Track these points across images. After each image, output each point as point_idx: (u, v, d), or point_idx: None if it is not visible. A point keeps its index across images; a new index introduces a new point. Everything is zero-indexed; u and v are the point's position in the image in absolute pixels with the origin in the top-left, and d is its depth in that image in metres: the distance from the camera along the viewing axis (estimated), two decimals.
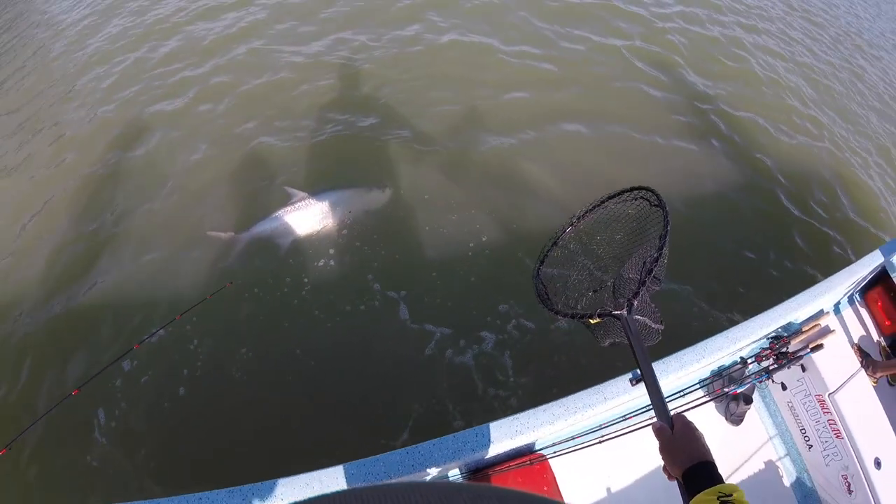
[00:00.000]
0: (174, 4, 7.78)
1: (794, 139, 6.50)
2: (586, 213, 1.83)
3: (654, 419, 2.03)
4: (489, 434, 2.16)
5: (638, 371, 2.24)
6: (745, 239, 5.03)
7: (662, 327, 1.63)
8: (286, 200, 4.50)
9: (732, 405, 2.77)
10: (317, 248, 4.44)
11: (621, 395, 2.19)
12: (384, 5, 7.19)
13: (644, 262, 1.56)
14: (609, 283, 1.73)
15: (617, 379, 2.25)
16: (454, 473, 2.32)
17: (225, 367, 3.81)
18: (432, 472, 2.15)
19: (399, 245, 4.47)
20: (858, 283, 3.20)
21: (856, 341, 3.15)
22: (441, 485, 0.43)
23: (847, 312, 3.27)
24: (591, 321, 1.55)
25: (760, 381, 2.60)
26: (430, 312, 4.08)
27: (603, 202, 1.79)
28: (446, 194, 4.85)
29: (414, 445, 2.19)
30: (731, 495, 1.14)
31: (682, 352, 2.40)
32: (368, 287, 4.20)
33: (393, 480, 2.10)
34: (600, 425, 2.28)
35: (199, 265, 4.41)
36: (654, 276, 1.51)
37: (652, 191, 1.63)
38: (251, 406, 3.66)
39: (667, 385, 2.28)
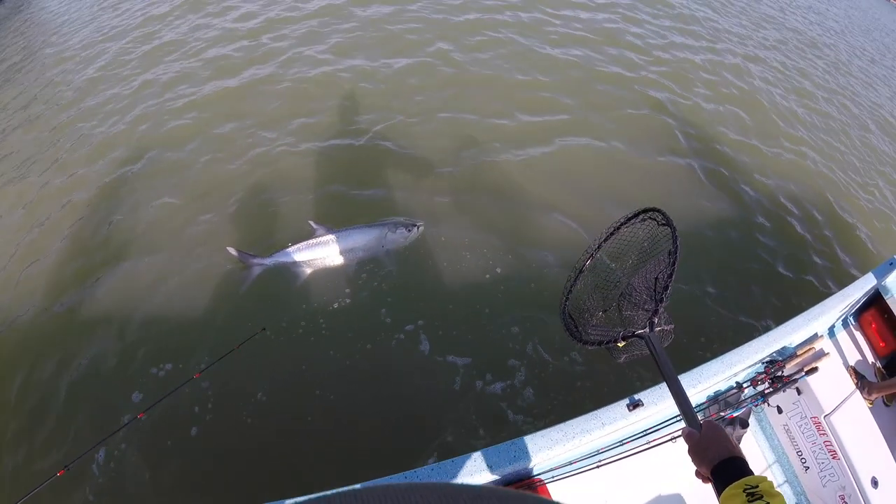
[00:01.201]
0: (187, 33, 7.93)
1: (791, 160, 6.62)
2: (603, 242, 1.90)
3: (657, 442, 2.08)
4: (487, 459, 2.18)
5: (635, 396, 2.28)
6: (749, 255, 5.12)
7: (673, 325, 1.71)
8: (308, 233, 4.44)
9: (729, 429, 2.79)
10: (333, 285, 4.35)
11: (619, 421, 2.21)
12: (394, 37, 7.36)
13: (656, 279, 1.63)
14: (614, 303, 1.81)
15: (615, 405, 2.27)
16: None
17: (238, 408, 3.68)
18: None
19: (415, 281, 4.43)
20: (852, 306, 3.24)
21: (851, 363, 3.18)
22: (440, 485, 0.44)
23: (842, 335, 3.30)
24: (619, 345, 1.62)
25: (756, 405, 2.62)
26: (451, 345, 4.04)
27: (617, 229, 1.86)
28: (460, 228, 4.85)
29: (412, 470, 2.20)
30: (757, 486, 1.17)
31: (679, 377, 2.42)
32: (386, 323, 4.15)
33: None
34: (598, 450, 2.30)
35: (208, 285, 4.37)
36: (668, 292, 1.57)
37: (660, 211, 1.70)
38: (267, 447, 3.53)
39: (663, 411, 2.31)
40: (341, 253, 4.34)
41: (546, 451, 2.16)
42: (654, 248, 1.71)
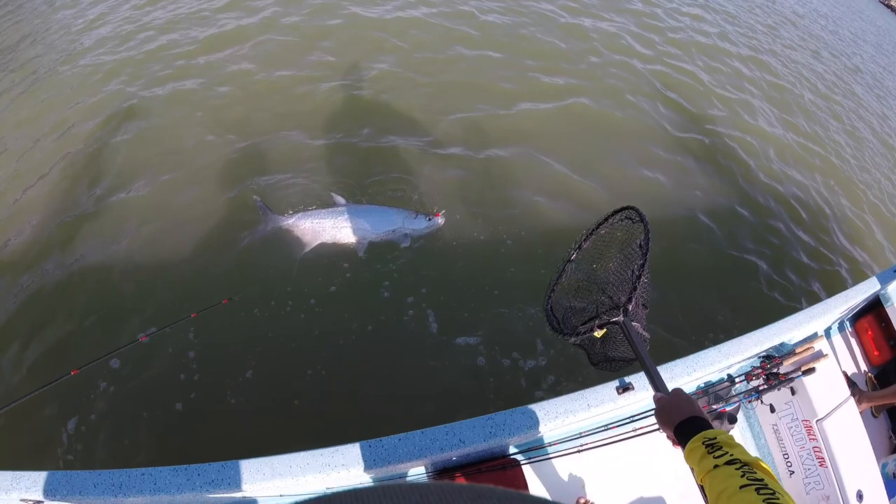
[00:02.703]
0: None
1: (804, 157, 6.52)
2: (584, 241, 1.98)
3: (643, 430, 2.02)
4: (460, 433, 2.01)
5: (626, 379, 2.11)
6: (755, 244, 5.02)
7: (648, 336, 1.78)
8: (326, 202, 4.22)
9: (715, 423, 2.65)
10: (338, 261, 4.05)
11: (606, 403, 2.05)
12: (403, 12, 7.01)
13: (632, 271, 1.71)
14: (600, 298, 1.86)
15: (603, 386, 2.11)
16: (419, 472, 2.16)
17: (223, 386, 3.41)
18: (396, 469, 2.00)
19: (421, 257, 4.17)
20: (851, 310, 3.11)
21: (843, 369, 3.06)
22: (441, 485, 0.43)
23: (837, 339, 3.18)
24: (597, 335, 1.72)
25: (750, 401, 2.48)
26: (461, 325, 3.79)
27: (597, 228, 1.94)
28: (469, 200, 4.61)
29: (377, 439, 2.03)
30: (715, 438, 1.21)
31: (672, 363, 2.26)
32: (388, 299, 3.88)
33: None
34: (580, 433, 2.14)
35: (203, 241, 4.09)
36: (643, 283, 1.68)
37: (634, 209, 1.78)
38: (251, 428, 3.28)
39: (650, 398, 2.15)
40: (357, 229, 4.07)
41: (525, 429, 2.00)
42: (630, 245, 1.79)
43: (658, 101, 6.36)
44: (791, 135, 6.98)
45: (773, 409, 2.69)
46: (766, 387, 2.41)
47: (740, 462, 1.11)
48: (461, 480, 2.10)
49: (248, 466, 1.81)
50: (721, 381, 2.59)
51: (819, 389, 2.57)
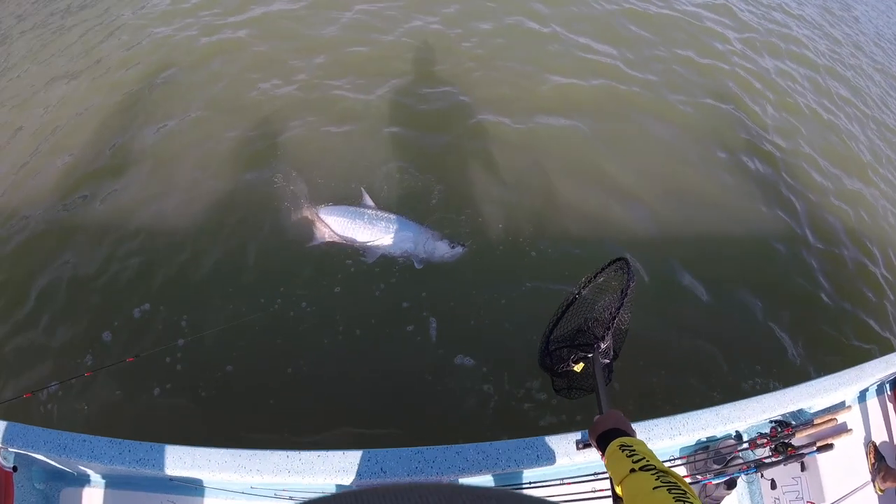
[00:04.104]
0: None
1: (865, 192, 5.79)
2: (582, 289, 2.06)
3: (598, 493, 1.76)
4: (383, 462, 1.71)
5: (587, 433, 1.74)
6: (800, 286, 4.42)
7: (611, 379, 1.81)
8: (352, 194, 4.00)
9: (710, 486, 2.24)
10: (341, 259, 3.77)
11: (560, 458, 1.69)
12: None
13: (610, 312, 1.82)
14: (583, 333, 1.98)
15: (560, 437, 1.74)
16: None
17: (204, 379, 3.26)
18: (313, 482, 1.74)
19: (432, 267, 3.81)
20: (892, 375, 2.63)
21: (872, 439, 2.60)
22: (440, 486, 0.43)
23: (871, 402, 2.71)
24: (576, 370, 1.82)
25: (747, 475, 2.07)
26: (462, 340, 3.44)
27: (594, 277, 2.03)
28: (495, 208, 4.22)
29: (297, 451, 1.81)
30: (631, 445, 1.29)
31: (654, 421, 1.88)
32: (387, 306, 3.58)
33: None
34: (529, 483, 1.79)
35: (218, 220, 3.95)
36: (616, 328, 1.79)
37: (624, 260, 1.90)
38: (219, 424, 3.10)
39: None
40: (376, 238, 3.78)
41: (457, 470, 1.69)
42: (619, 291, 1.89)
43: (727, 102, 5.71)
44: (869, 161, 6.20)
45: (773, 486, 2.27)
46: (771, 460, 1.99)
47: (655, 469, 1.17)
48: None
49: (172, 452, 1.84)
50: (727, 437, 2.19)
51: (833, 471, 2.14)
